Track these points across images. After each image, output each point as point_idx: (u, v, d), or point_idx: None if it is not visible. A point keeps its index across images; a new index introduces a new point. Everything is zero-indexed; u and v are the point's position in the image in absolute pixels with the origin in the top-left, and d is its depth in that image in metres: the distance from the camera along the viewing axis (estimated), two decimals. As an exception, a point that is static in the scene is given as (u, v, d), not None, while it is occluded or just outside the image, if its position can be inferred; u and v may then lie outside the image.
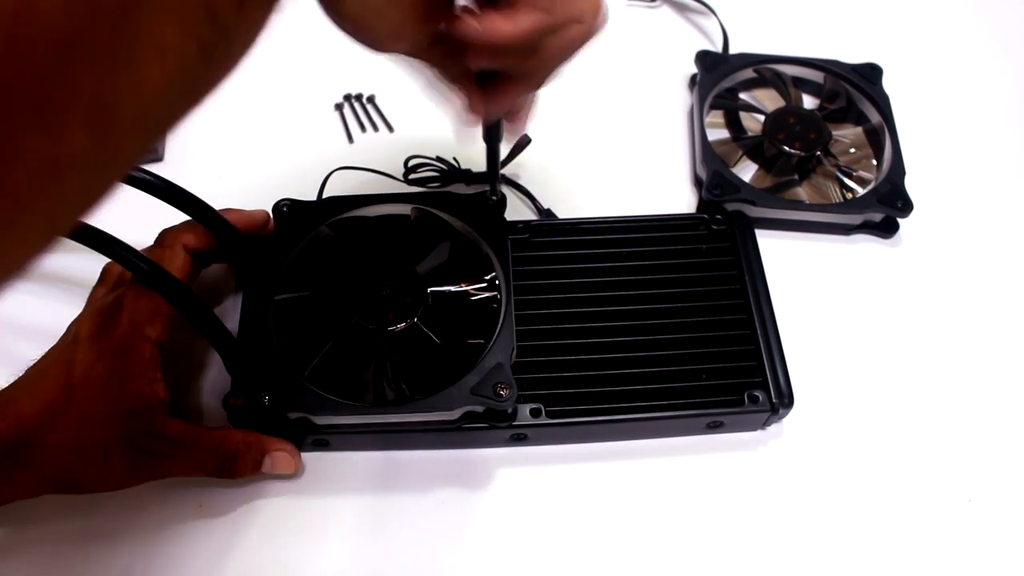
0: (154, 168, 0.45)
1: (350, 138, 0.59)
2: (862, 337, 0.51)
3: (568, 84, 0.61)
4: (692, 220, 0.52)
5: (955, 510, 0.46)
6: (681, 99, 0.61)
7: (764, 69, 0.60)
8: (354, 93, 0.61)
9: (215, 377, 0.48)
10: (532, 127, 0.56)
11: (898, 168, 0.54)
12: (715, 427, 0.47)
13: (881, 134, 0.57)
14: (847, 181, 0.55)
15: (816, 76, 0.60)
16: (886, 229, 0.55)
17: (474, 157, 0.58)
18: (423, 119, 0.60)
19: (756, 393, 0.46)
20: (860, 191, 0.54)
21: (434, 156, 0.56)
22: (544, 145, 0.56)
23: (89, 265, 0.52)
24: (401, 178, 0.56)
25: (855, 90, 0.59)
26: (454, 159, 0.56)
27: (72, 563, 0.44)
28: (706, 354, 0.47)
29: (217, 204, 0.46)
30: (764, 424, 0.47)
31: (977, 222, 0.56)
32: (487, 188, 0.49)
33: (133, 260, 0.41)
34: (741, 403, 0.45)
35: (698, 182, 0.56)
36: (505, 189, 0.56)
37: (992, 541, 0.45)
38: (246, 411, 0.44)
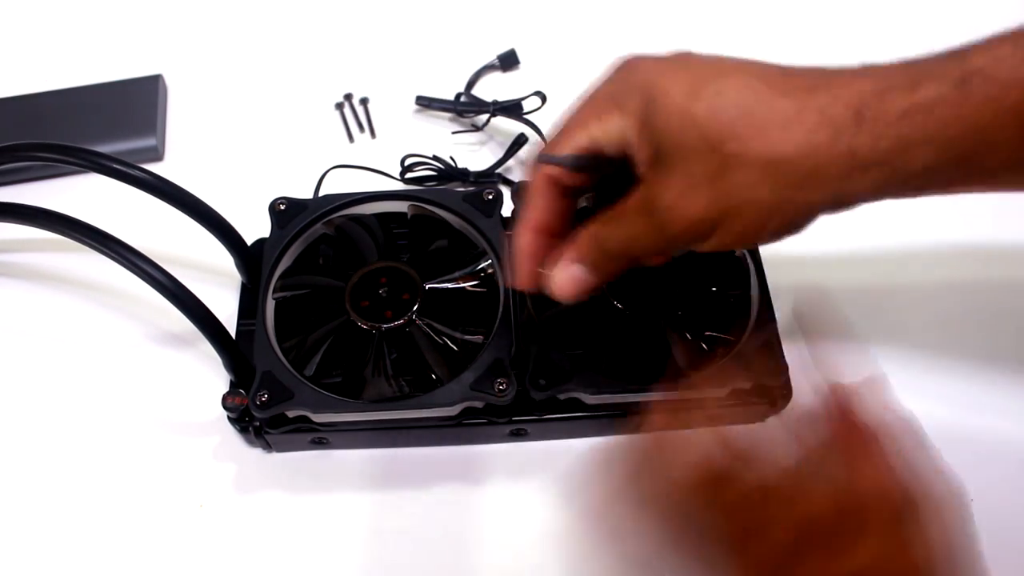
0: (154, 168, 0.45)
1: (350, 137, 0.59)
2: (861, 329, 0.51)
3: (567, 81, 0.61)
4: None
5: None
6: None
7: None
8: (354, 93, 0.61)
9: (214, 377, 0.48)
10: (528, 125, 0.56)
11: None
12: (714, 421, 0.47)
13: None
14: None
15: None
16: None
17: (471, 156, 0.58)
18: (424, 119, 0.60)
19: None
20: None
21: (431, 155, 0.56)
22: (540, 143, 0.56)
23: (89, 265, 0.53)
24: (398, 177, 0.56)
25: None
26: (451, 158, 0.56)
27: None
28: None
29: (217, 203, 0.47)
30: (762, 418, 0.47)
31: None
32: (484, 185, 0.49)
33: (131, 259, 0.41)
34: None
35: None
36: (502, 186, 0.56)
37: (995, 540, 0.45)
38: (245, 410, 0.44)
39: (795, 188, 0.31)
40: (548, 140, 0.36)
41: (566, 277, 0.36)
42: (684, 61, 0.33)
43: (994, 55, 0.30)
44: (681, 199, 0.32)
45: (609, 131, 0.34)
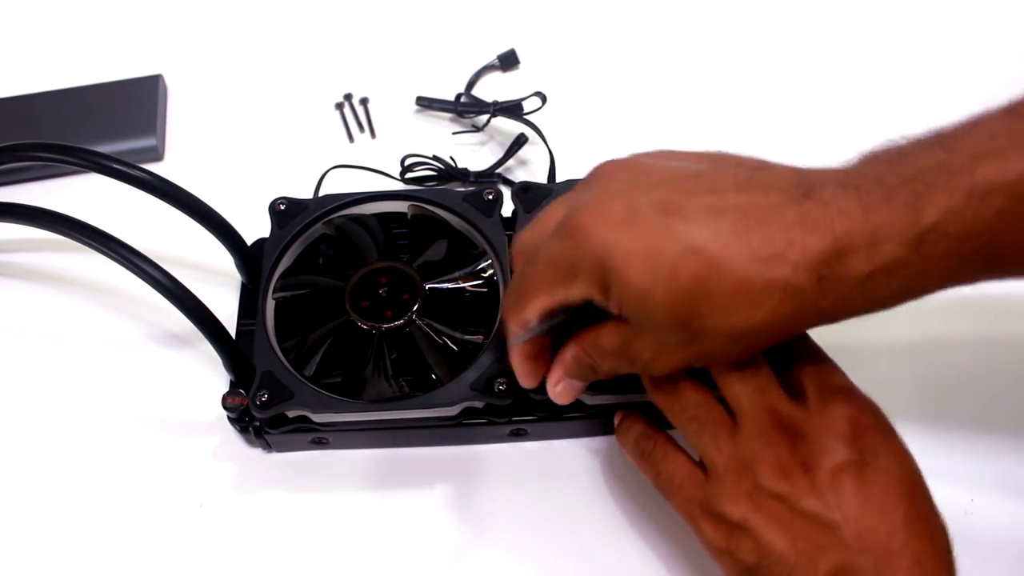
0: (154, 168, 0.45)
1: (350, 137, 0.59)
2: (859, 331, 0.51)
3: (567, 81, 0.61)
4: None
5: (956, 512, 0.45)
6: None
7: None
8: (354, 93, 0.61)
9: (214, 377, 0.48)
10: (528, 125, 0.56)
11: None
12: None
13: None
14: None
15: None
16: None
17: (471, 156, 0.58)
18: (424, 119, 0.60)
19: None
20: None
21: (431, 155, 0.56)
22: (540, 142, 0.56)
23: (89, 265, 0.53)
24: (398, 177, 0.56)
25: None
26: (451, 158, 0.56)
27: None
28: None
29: (217, 203, 0.47)
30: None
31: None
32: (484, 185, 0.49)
33: (131, 259, 0.41)
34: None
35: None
36: (502, 186, 0.56)
37: (994, 544, 0.45)
38: (245, 410, 0.44)
39: (768, 343, 0.34)
40: (514, 303, 0.37)
41: (563, 391, 0.39)
42: (632, 214, 0.32)
43: (948, 205, 0.29)
44: (657, 358, 0.34)
45: (573, 295, 0.35)
